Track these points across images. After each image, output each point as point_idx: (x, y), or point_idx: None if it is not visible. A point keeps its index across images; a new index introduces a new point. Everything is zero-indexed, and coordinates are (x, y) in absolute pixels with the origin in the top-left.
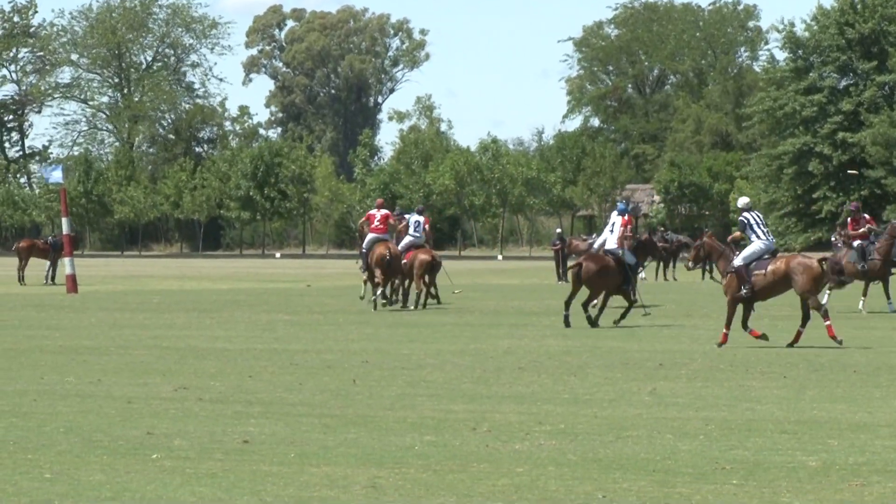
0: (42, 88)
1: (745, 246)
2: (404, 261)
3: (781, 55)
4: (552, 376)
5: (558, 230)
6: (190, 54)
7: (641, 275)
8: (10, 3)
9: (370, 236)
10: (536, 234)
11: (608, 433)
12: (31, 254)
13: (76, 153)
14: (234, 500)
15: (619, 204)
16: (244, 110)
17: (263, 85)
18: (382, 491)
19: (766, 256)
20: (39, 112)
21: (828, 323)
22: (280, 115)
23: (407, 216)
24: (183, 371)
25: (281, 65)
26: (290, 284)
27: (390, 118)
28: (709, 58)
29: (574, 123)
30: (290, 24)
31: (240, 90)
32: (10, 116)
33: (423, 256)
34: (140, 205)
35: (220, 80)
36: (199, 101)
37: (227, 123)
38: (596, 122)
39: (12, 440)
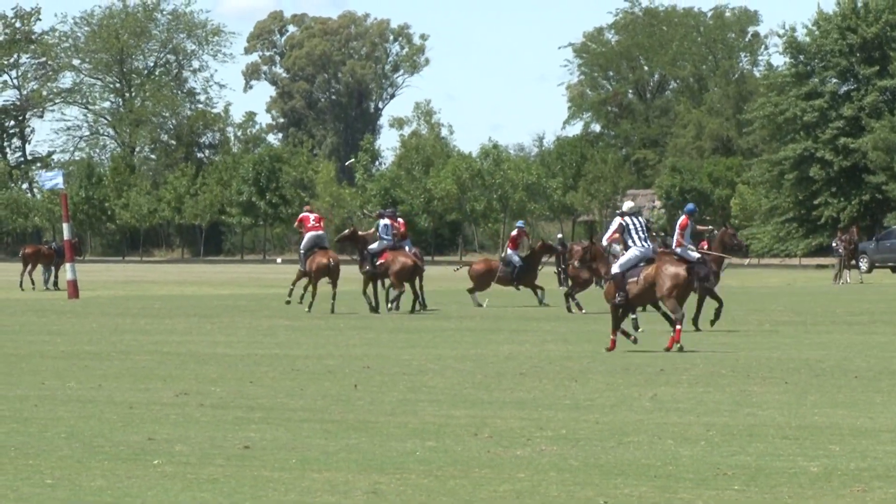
0: (44, 94)
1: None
2: (380, 261)
3: (782, 60)
4: (553, 382)
5: (559, 235)
6: (192, 60)
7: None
8: (12, 8)
9: (309, 235)
10: (537, 239)
11: (610, 439)
12: (38, 260)
13: (78, 158)
14: None
15: (688, 205)
16: (250, 116)
17: (264, 91)
18: (384, 496)
19: (642, 264)
20: (41, 117)
21: (678, 327)
22: (281, 120)
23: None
24: (184, 376)
25: (281, 70)
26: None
27: (391, 125)
28: (709, 63)
29: (575, 129)
30: (291, 29)
31: (240, 97)
32: (12, 122)
33: (403, 259)
34: (141, 210)
35: (222, 86)
36: (200, 107)
37: (230, 129)
38: (597, 127)
39: (13, 445)
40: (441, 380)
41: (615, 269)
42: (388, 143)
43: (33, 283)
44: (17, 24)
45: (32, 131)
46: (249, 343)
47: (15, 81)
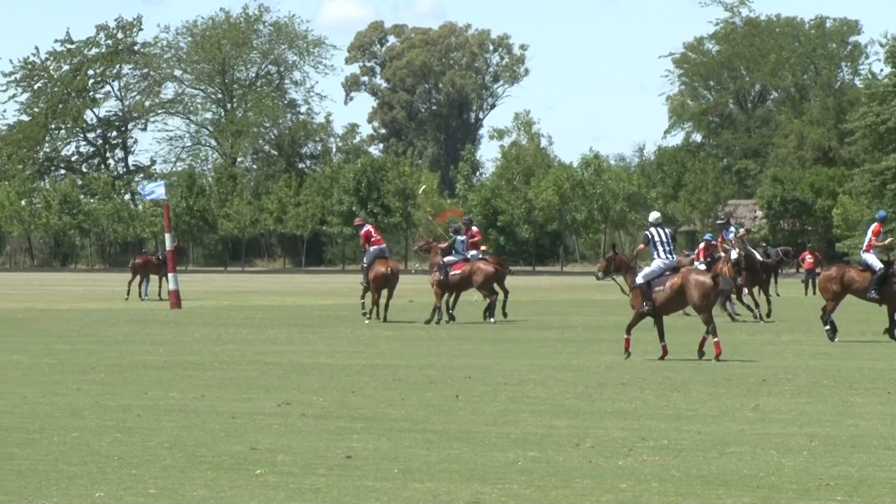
0: (146, 105)
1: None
2: (455, 272)
3: (884, 70)
4: (655, 392)
5: None
6: (293, 71)
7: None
8: (115, 19)
9: (374, 249)
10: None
11: (711, 449)
12: (147, 270)
13: (179, 169)
14: None
15: (879, 212)
16: (352, 127)
17: (364, 102)
18: None
19: (667, 273)
20: (144, 129)
21: (716, 339)
22: (382, 131)
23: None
24: (286, 386)
25: (382, 81)
26: (393, 300)
27: (491, 136)
28: (810, 73)
29: (676, 139)
30: (392, 39)
31: (341, 107)
32: (115, 133)
33: (485, 268)
34: (244, 220)
35: (322, 97)
36: (301, 117)
37: (331, 140)
38: (698, 137)
39: (116, 455)
40: (543, 390)
41: (639, 279)
42: (488, 153)
43: (141, 294)
44: (119, 35)
45: (135, 142)
46: (351, 353)
47: (118, 92)
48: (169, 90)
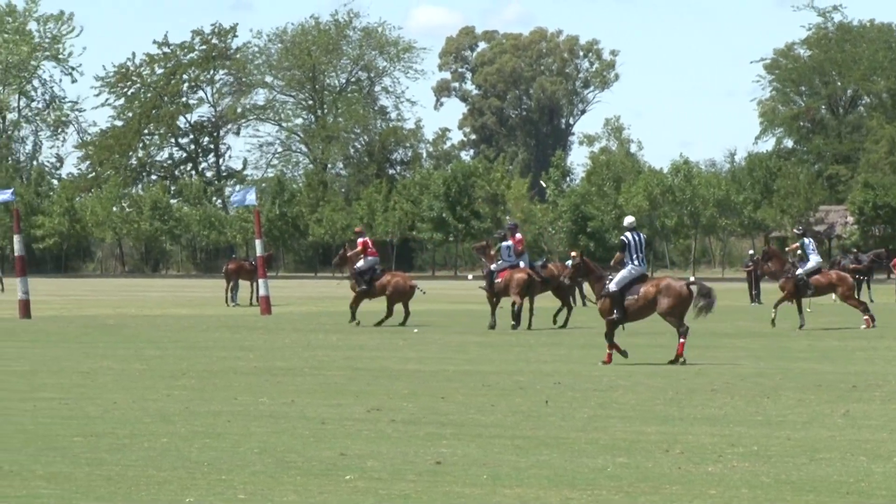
0: (238, 110)
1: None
2: (499, 279)
3: None
4: (745, 398)
5: (751, 251)
6: (383, 77)
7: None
8: (211, 24)
9: (371, 259)
10: (728, 255)
11: (801, 455)
12: (240, 276)
13: (270, 174)
14: None
15: None
16: (443, 132)
17: (455, 108)
18: None
19: (638, 282)
20: (237, 134)
21: (682, 341)
22: (472, 136)
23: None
24: (375, 392)
25: (472, 87)
26: (482, 306)
27: (580, 143)
28: None
29: (767, 144)
30: (482, 45)
31: (431, 113)
32: (207, 138)
33: (519, 275)
34: (335, 226)
35: (413, 103)
36: (392, 123)
37: (421, 145)
38: (789, 143)
39: (206, 461)
40: (632, 396)
41: (612, 286)
42: (578, 158)
43: (228, 300)
44: (214, 41)
45: (228, 148)
46: (440, 359)
47: (210, 98)
48: (260, 96)
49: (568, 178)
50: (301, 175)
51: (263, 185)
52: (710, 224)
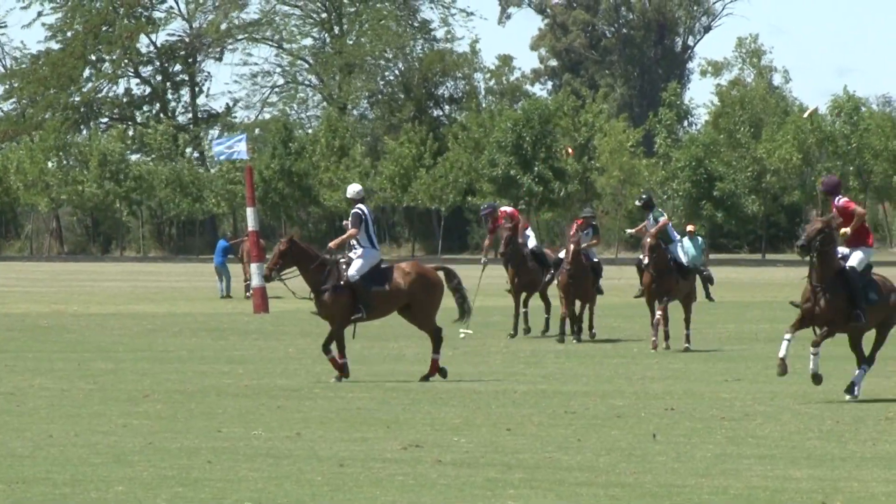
0: (221, 27)
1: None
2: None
3: None
4: None
5: None
6: None
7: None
8: None
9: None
10: None
11: None
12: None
13: (268, 117)
14: None
15: None
16: (505, 60)
17: (529, 23)
18: None
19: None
20: (219, 59)
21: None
22: (552, 63)
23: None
24: (415, 422)
25: None
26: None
27: (703, 72)
28: None
29: None
30: None
31: (494, 30)
32: (179, 66)
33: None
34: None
35: (468, 14)
36: (438, 45)
37: (478, 76)
38: None
39: None
40: (774, 426)
41: (352, 273)
42: (700, 95)
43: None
44: None
45: (207, 78)
46: (506, 374)
47: (184, 10)
48: (253, 7)
49: (686, 122)
50: (310, 118)
51: (257, 131)
52: (883, 184)
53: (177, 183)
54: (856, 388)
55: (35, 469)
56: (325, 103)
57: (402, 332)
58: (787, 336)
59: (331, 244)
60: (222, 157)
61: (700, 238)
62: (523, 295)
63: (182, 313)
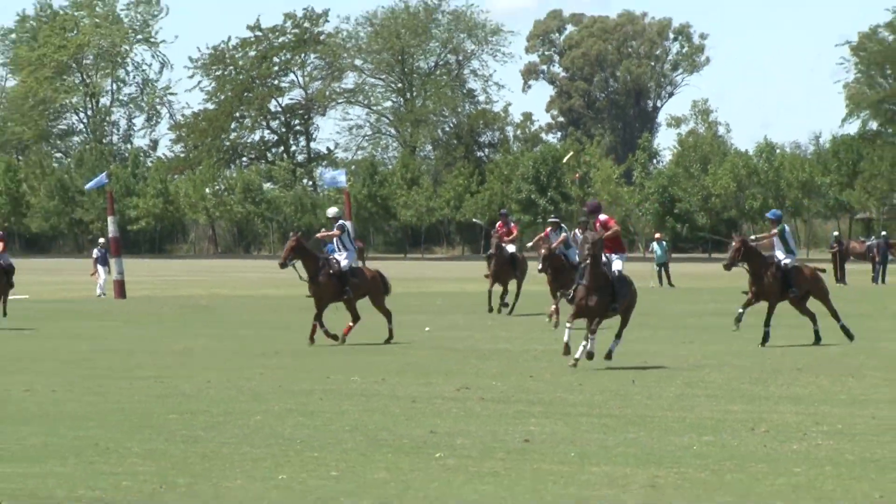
0: (327, 93)
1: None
2: None
3: None
4: (830, 377)
5: (836, 233)
6: (471, 60)
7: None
8: (303, 9)
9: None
10: (814, 237)
11: (886, 434)
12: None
13: (360, 157)
14: (516, 498)
15: None
16: (527, 116)
17: (543, 91)
18: (661, 490)
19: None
20: (323, 115)
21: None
22: (560, 119)
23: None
24: (465, 371)
25: (560, 70)
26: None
27: (668, 125)
28: None
29: (853, 127)
30: (570, 28)
31: (519, 96)
32: (297, 121)
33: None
34: (422, 208)
35: (500, 86)
36: (480, 106)
37: (509, 128)
38: (874, 125)
39: (299, 438)
40: (718, 375)
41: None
42: (665, 141)
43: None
44: (306, 25)
45: (317, 129)
46: (528, 339)
47: (301, 81)
48: (350, 79)
49: (655, 161)
50: (390, 157)
51: (353, 167)
52: (795, 206)
53: (297, 203)
54: (612, 355)
55: (199, 404)
56: (400, 147)
57: (460, 308)
58: (568, 325)
59: (318, 235)
60: (329, 185)
61: (665, 242)
62: (497, 285)
63: (301, 296)
